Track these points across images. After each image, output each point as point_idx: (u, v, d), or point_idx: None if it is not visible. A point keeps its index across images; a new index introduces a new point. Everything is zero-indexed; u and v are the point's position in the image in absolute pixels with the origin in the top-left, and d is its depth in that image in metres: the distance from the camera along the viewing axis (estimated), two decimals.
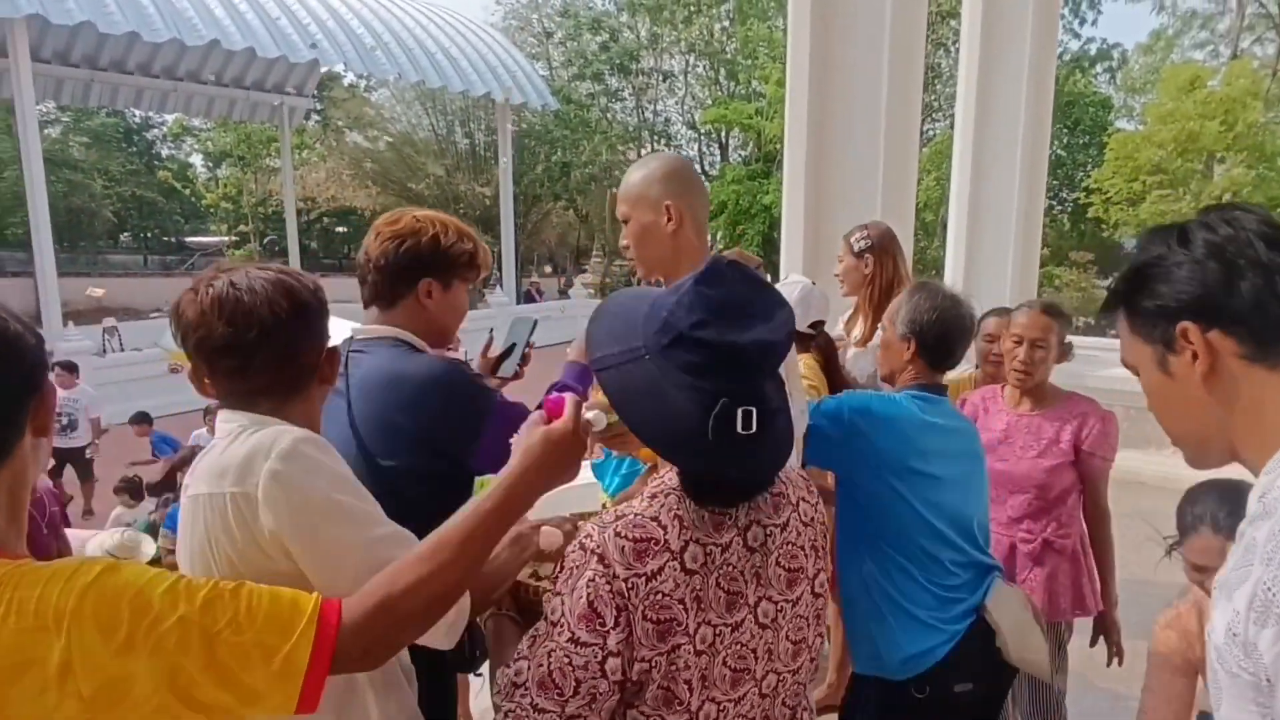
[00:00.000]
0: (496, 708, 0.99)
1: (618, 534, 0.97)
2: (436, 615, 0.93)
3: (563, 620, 0.96)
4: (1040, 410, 2.10)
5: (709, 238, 1.71)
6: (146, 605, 0.77)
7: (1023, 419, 2.12)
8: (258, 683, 0.79)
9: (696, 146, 25.69)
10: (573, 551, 0.99)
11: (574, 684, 0.95)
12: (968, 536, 1.67)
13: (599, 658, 0.95)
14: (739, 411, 0.93)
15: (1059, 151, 19.69)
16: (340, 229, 21.89)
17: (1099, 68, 22.99)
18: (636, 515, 1.00)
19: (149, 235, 24.92)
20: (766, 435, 0.97)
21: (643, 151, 24.53)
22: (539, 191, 22.64)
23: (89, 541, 4.68)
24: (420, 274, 1.40)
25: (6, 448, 0.80)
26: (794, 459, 1.27)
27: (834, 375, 2.21)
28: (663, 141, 25.37)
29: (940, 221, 15.75)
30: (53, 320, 10.83)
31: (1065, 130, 19.93)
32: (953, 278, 4.65)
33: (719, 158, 24.74)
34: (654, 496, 1.02)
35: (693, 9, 22.73)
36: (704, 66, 24.89)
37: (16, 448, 0.81)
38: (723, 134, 24.13)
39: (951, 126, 8.29)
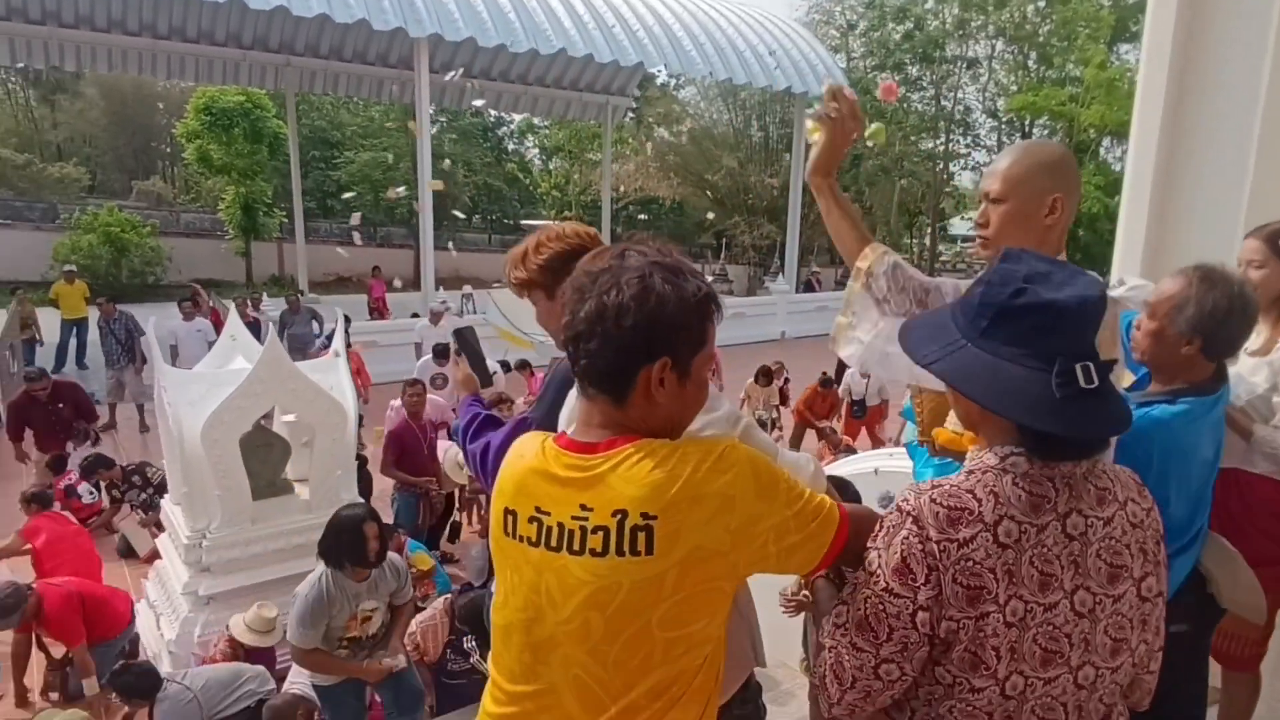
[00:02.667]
0: (820, 646, 1.10)
1: (933, 500, 1.02)
2: None
3: (878, 572, 1.03)
4: None
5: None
6: (778, 475, 1.05)
7: None
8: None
9: (996, 135, 23.80)
10: (891, 513, 1.05)
11: (887, 630, 1.02)
12: (1199, 501, 1.70)
13: (910, 610, 1.00)
14: (1078, 367, 0.97)
15: None
16: (641, 216, 24.22)
17: None
18: (952, 486, 1.03)
19: (493, 217, 29.72)
20: (1107, 388, 1.00)
21: (938, 143, 23.35)
22: None
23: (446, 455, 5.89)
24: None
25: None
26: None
27: None
28: (960, 131, 23.89)
29: None
30: (429, 285, 13.10)
31: None
32: None
33: None
34: (970, 473, 1.04)
35: None
36: (1012, 51, 22.94)
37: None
38: (1026, 122, 22.08)
39: None
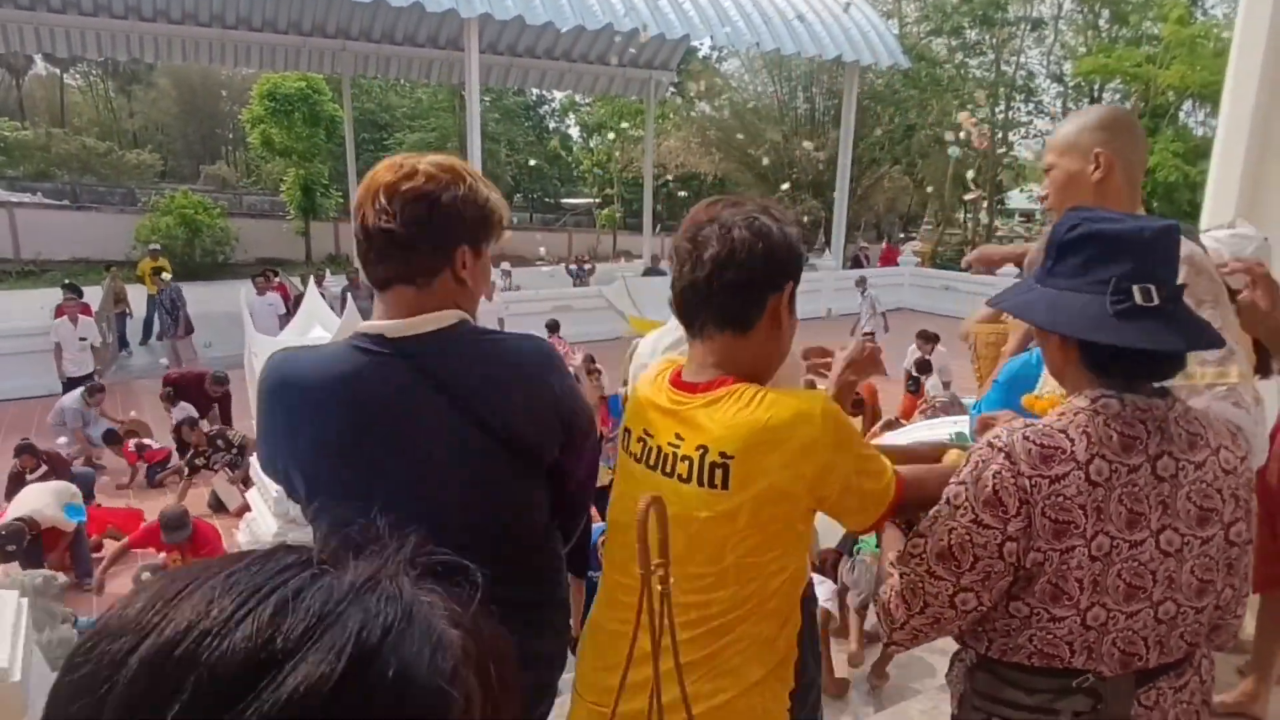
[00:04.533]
0: (887, 575, 1.17)
1: (1025, 437, 1.04)
2: None
3: (966, 504, 1.05)
4: None
5: (1141, 192, 1.59)
6: (854, 433, 1.14)
7: None
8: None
9: (1061, 102, 22.74)
10: (980, 449, 1.08)
11: (972, 559, 1.05)
12: None
13: (998, 540, 1.03)
14: (1134, 287, 1.00)
15: None
16: (682, 194, 24.06)
17: None
18: (1046, 425, 1.06)
19: (534, 196, 30.01)
20: (1173, 310, 1.02)
21: (997, 110, 22.49)
22: (876, 155, 22.17)
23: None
24: (457, 240, 1.17)
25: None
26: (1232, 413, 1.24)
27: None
28: (1021, 97, 22.91)
29: None
30: None
31: None
32: None
33: None
34: (1063, 414, 1.07)
35: None
36: (1081, 11, 21.79)
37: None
38: (1095, 86, 21.00)
39: None
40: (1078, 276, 1.04)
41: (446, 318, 1.17)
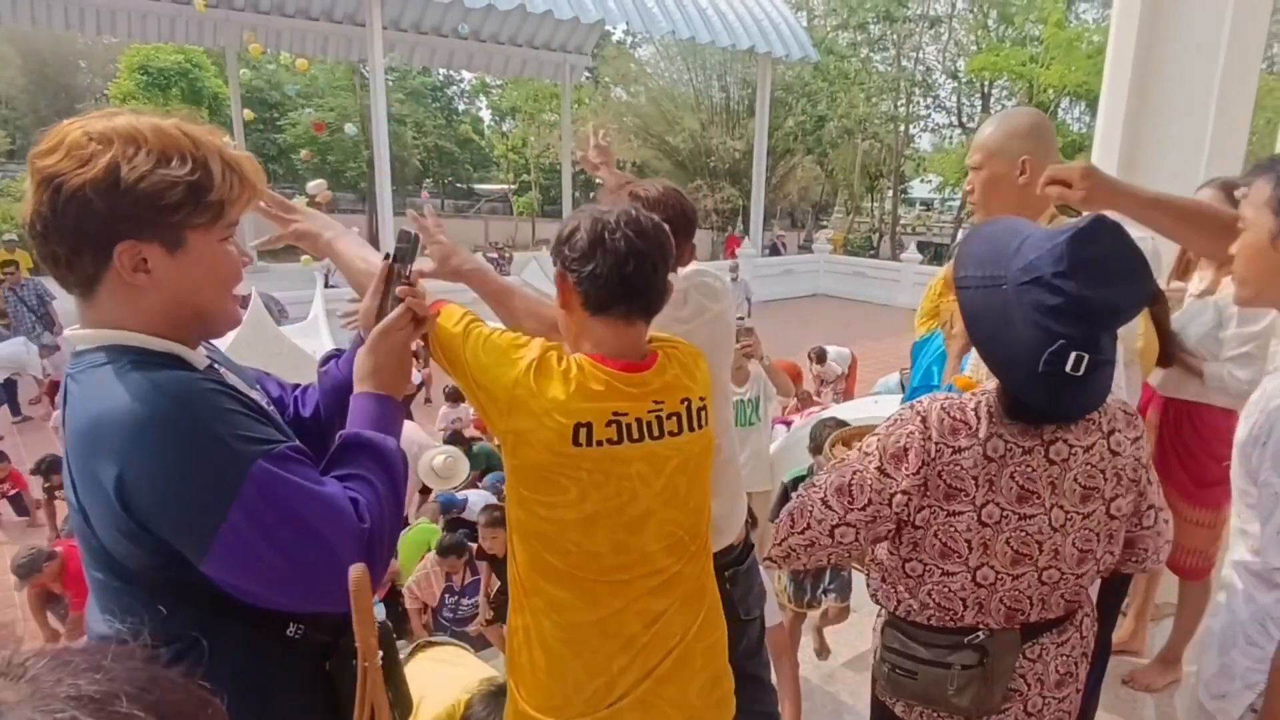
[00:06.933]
0: (789, 499, 1.31)
1: (942, 408, 1.16)
2: None
3: (874, 452, 1.18)
4: None
5: None
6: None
7: None
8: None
9: (956, 97, 23.86)
10: (903, 409, 1.20)
11: (865, 500, 1.18)
12: None
13: (892, 490, 1.16)
14: (1072, 355, 1.03)
15: None
16: (599, 180, 23.80)
17: None
18: (961, 400, 1.17)
19: (445, 182, 28.92)
20: (1090, 380, 1.06)
21: (899, 104, 23.31)
22: (790, 145, 22.60)
23: (421, 458, 5.93)
24: (112, 236, 0.87)
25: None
26: (1123, 394, 1.39)
27: (1165, 330, 2.29)
28: (920, 92, 23.87)
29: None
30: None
31: None
32: None
33: (980, 108, 22.83)
34: (975, 395, 1.18)
35: None
36: (973, 10, 22.88)
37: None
38: (986, 83, 22.14)
39: None
40: (1035, 311, 1.06)
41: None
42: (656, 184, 1.66)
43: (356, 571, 0.82)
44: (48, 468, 5.64)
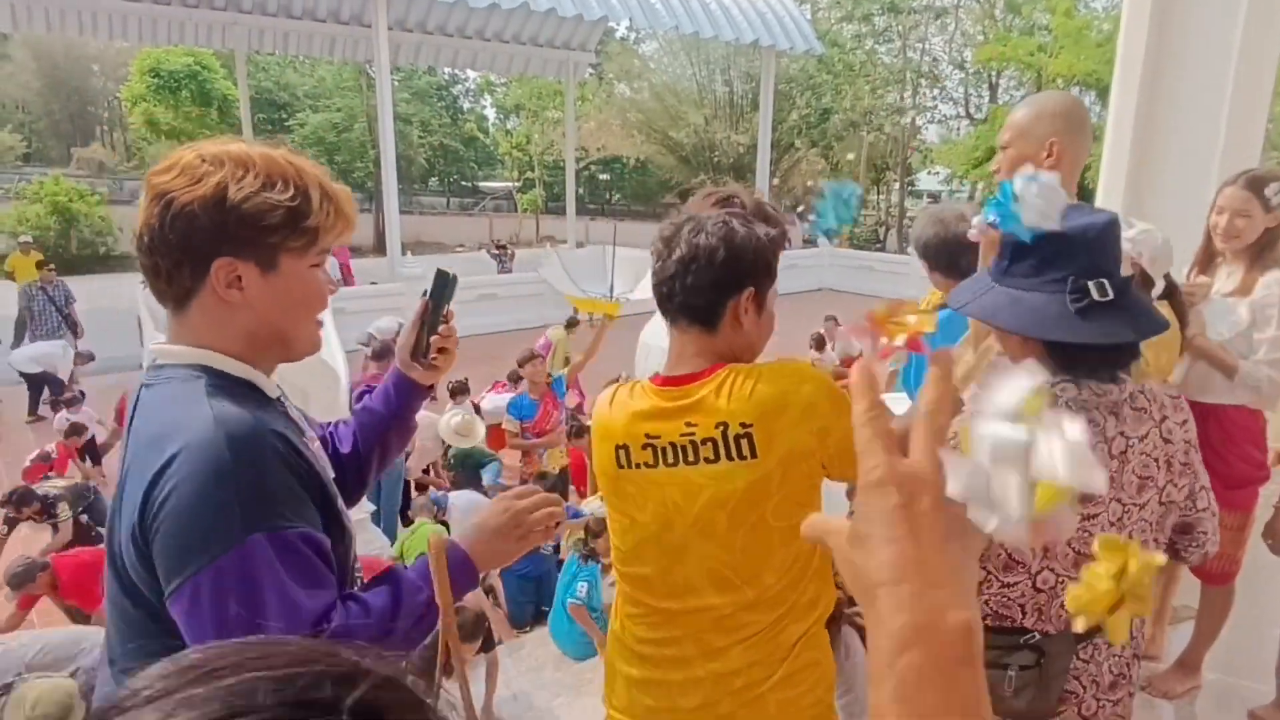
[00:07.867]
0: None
1: None
2: None
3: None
4: None
5: (1079, 178, 1.72)
6: (843, 393, 1.18)
7: None
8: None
9: (964, 88, 23.73)
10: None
11: None
12: None
13: None
14: (1090, 284, 1.05)
15: None
16: (603, 176, 23.80)
17: None
18: None
19: (451, 180, 28.94)
20: (1126, 301, 1.07)
21: (905, 95, 23.21)
22: (794, 139, 22.53)
23: (439, 422, 6.05)
24: (212, 251, 0.90)
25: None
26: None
27: (1184, 320, 2.22)
28: (926, 83, 23.75)
29: None
30: (395, 251, 12.75)
31: None
32: None
33: (988, 99, 22.71)
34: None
35: None
36: (980, 1, 22.76)
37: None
38: (994, 74, 22.02)
39: None
40: (1034, 276, 1.09)
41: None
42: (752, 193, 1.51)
43: (435, 538, 0.93)
44: (19, 500, 5.07)
